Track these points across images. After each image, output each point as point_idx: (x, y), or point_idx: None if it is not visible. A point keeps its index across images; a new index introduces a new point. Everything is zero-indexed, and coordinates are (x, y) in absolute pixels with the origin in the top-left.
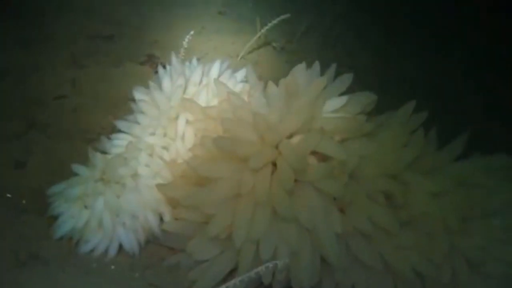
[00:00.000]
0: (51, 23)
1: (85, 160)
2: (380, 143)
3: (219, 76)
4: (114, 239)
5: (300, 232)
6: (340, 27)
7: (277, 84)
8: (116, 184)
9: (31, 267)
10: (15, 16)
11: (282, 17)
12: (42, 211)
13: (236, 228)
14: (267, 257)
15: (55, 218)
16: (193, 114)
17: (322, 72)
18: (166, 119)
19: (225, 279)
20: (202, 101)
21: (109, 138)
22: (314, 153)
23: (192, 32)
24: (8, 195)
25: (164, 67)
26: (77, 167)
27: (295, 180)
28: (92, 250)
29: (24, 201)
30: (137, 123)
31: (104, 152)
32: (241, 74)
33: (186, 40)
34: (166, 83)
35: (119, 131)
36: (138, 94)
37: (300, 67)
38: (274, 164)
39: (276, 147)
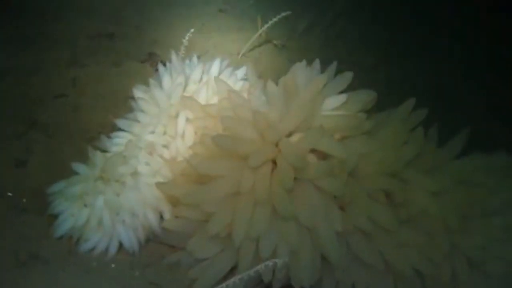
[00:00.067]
0: (51, 23)
1: (85, 159)
2: (380, 141)
3: (219, 74)
4: (114, 237)
5: (300, 231)
6: (341, 25)
7: (277, 82)
8: (116, 182)
9: (31, 266)
10: (15, 16)
11: (283, 14)
12: (42, 210)
13: (235, 226)
14: (267, 256)
15: (55, 217)
16: (193, 112)
17: (323, 70)
18: (166, 117)
19: (225, 278)
20: (202, 99)
21: (109, 137)
22: (314, 151)
23: (192, 30)
24: (9, 194)
25: (164, 65)
26: (77, 166)
27: (295, 178)
28: (92, 249)
29: (24, 200)
30: (137, 121)
31: (104, 151)
32: (241, 72)
33: (186, 38)
34: (166, 81)
35: (119, 129)
36: (138, 93)
37: (300, 65)
38: (274, 162)
39: (276, 145)
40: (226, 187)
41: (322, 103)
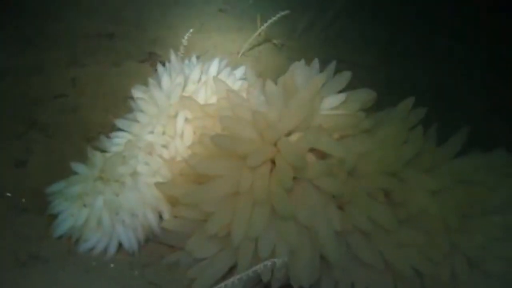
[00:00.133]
0: (51, 23)
1: (85, 159)
2: (379, 140)
3: (218, 73)
4: (114, 237)
5: (299, 230)
6: (341, 24)
7: (276, 81)
8: (115, 182)
9: (30, 266)
10: (15, 16)
11: (282, 13)
12: (42, 210)
13: (234, 226)
14: (266, 255)
15: (54, 217)
16: (192, 112)
17: (322, 70)
18: (165, 117)
19: (224, 277)
20: (201, 99)
21: (108, 137)
22: (313, 150)
23: (191, 30)
24: (8, 194)
25: (163, 65)
26: (76, 166)
27: (294, 178)
28: (91, 249)
29: (23, 200)
30: (137, 121)
31: (103, 151)
32: (240, 71)
33: (186, 38)
34: (165, 81)
35: (119, 129)
36: (137, 93)
37: (299, 65)
38: (273, 162)
39: (275, 144)
40: (225, 187)
41: (321, 103)
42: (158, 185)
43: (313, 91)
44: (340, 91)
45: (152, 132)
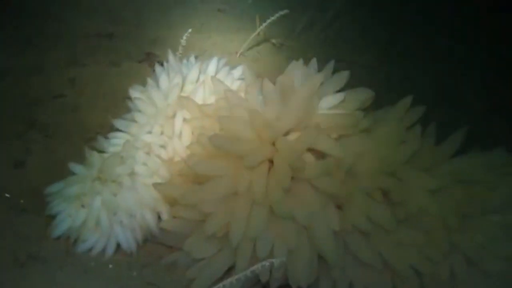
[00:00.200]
0: (51, 23)
1: (84, 160)
2: (378, 139)
3: (216, 73)
4: (112, 237)
5: (297, 230)
6: (340, 23)
7: (275, 81)
8: (113, 183)
9: (29, 267)
10: (15, 16)
11: (281, 13)
12: (40, 211)
13: (232, 226)
14: (264, 255)
15: (53, 217)
16: (190, 112)
17: (322, 69)
18: (163, 118)
19: (223, 277)
20: (199, 98)
21: (106, 137)
22: (311, 150)
23: (190, 30)
24: (7, 195)
25: (162, 65)
26: (74, 166)
27: (292, 178)
28: (90, 249)
29: (22, 201)
30: (134, 121)
31: (101, 151)
32: (238, 71)
33: (184, 38)
34: (163, 81)
35: (117, 130)
36: (135, 93)
37: (297, 64)
38: (271, 162)
39: (273, 144)
40: (223, 187)
41: (319, 102)
42: (156, 185)
43: (311, 90)
44: (339, 91)
45: (150, 132)
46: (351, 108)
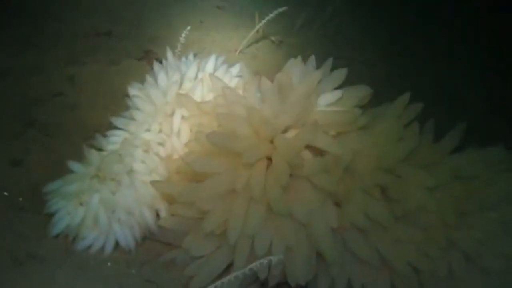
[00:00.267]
0: (50, 22)
1: (82, 158)
2: (376, 136)
3: (214, 71)
4: (110, 235)
5: (295, 227)
6: (340, 21)
7: (274, 78)
8: (111, 181)
9: (28, 265)
10: (15, 16)
11: (280, 10)
12: (39, 209)
13: (230, 223)
14: (262, 253)
15: (51, 215)
16: (188, 109)
17: (321, 66)
18: (162, 115)
19: (221, 275)
20: (197, 96)
21: (105, 135)
22: (309, 147)
23: (189, 28)
24: (5, 193)
25: (160, 63)
26: (73, 164)
27: (290, 175)
28: (88, 247)
29: (21, 199)
30: (133, 119)
31: (100, 149)
32: (236, 68)
33: (183, 35)
34: (161, 79)
35: (115, 128)
36: (133, 91)
37: (295, 61)
38: (269, 159)
39: (271, 141)
40: (221, 184)
41: (317, 99)
42: (154, 183)
43: (309, 88)
44: (337, 88)
45: (148, 130)
46: (349, 105)
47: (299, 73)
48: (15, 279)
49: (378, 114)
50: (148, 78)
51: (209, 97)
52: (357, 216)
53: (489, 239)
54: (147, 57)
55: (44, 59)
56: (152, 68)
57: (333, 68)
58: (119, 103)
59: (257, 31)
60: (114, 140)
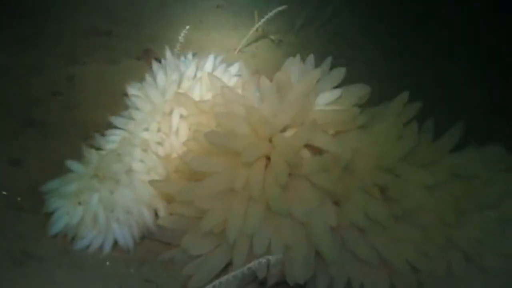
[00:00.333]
0: (50, 22)
1: (81, 157)
2: (374, 135)
3: (213, 70)
4: (109, 235)
5: (294, 227)
6: (339, 19)
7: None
8: (110, 180)
9: (26, 265)
10: (15, 16)
11: (279, 8)
12: (37, 209)
13: (229, 223)
14: (261, 252)
15: (50, 215)
16: (187, 108)
17: (320, 65)
18: (160, 114)
19: (220, 274)
20: (196, 95)
21: (104, 135)
22: (308, 146)
23: (188, 27)
24: (4, 193)
25: (159, 62)
26: (71, 164)
27: (289, 174)
28: (87, 247)
29: (19, 199)
30: (132, 118)
31: (98, 149)
32: (235, 68)
33: (182, 34)
34: (160, 78)
35: (114, 127)
36: (132, 90)
37: (294, 60)
38: (268, 158)
39: (270, 140)
40: (220, 183)
41: (316, 98)
42: (153, 182)
43: (308, 86)
44: (336, 87)
45: (147, 129)
46: (348, 104)
47: (298, 72)
48: (14, 279)
49: (377, 113)
50: (147, 78)
51: (208, 96)
52: (356, 215)
53: (489, 239)
54: (147, 56)
55: (42, 58)
56: (151, 68)
57: (333, 67)
58: (119, 103)
59: (257, 30)
60: (113, 139)
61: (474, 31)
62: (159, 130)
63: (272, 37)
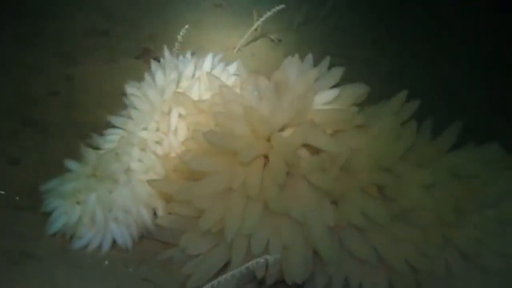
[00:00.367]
0: (49, 21)
1: (79, 157)
2: (373, 134)
3: (211, 69)
4: (107, 234)
5: (292, 226)
6: (339, 18)
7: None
8: (108, 179)
9: (25, 264)
10: (15, 16)
11: (278, 8)
12: (36, 208)
13: (227, 222)
14: (259, 251)
15: (48, 214)
16: (185, 108)
17: (318, 65)
18: (159, 114)
19: (218, 274)
20: (194, 94)
21: (102, 134)
22: (306, 145)
23: (187, 26)
24: (2, 192)
25: (158, 61)
26: (70, 163)
27: (287, 173)
28: (85, 246)
29: (18, 198)
30: (130, 118)
31: (97, 148)
32: (233, 67)
33: (181, 34)
34: (159, 77)
35: (113, 126)
36: (130, 89)
37: (291, 60)
38: (266, 158)
39: (268, 140)
40: (218, 183)
41: (314, 98)
42: (151, 181)
43: (306, 86)
44: (334, 86)
45: (145, 129)
46: (346, 103)
47: (296, 72)
48: (13, 278)
49: (375, 112)
50: (146, 77)
51: (206, 95)
52: (354, 215)
53: (488, 238)
54: (146, 56)
55: (41, 58)
56: (150, 67)
57: (331, 66)
58: (117, 102)
59: (256, 29)
60: (111, 138)
61: (474, 31)
62: (157, 130)
63: (271, 36)
